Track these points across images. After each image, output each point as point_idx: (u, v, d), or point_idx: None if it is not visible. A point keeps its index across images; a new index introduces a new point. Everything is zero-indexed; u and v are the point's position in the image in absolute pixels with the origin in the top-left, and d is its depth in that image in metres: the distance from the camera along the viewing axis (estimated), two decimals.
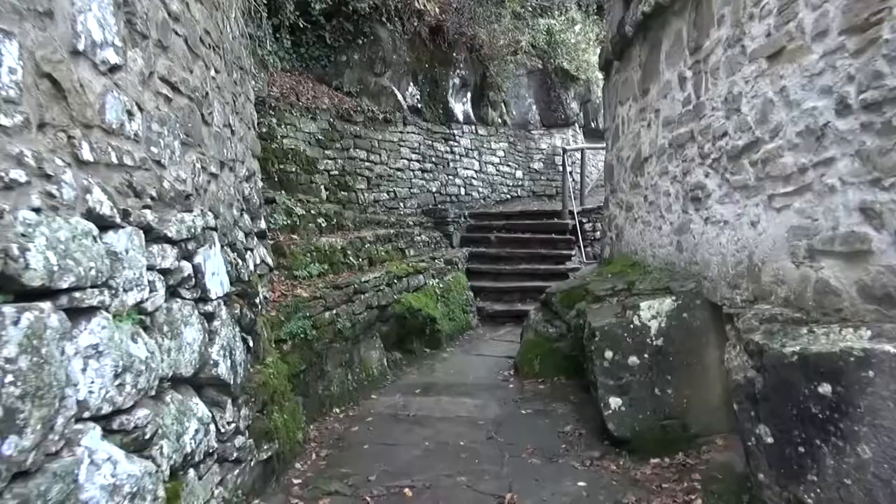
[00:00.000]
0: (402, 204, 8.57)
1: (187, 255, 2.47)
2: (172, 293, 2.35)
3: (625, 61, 5.19)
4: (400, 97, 8.59)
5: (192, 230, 2.48)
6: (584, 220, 8.57)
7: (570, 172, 8.93)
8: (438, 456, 3.50)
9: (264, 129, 6.18)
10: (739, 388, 2.35)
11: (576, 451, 3.51)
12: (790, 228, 2.51)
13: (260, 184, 4.83)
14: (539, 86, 11.53)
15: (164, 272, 2.24)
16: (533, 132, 11.64)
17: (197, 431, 2.32)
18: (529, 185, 11.64)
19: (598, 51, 13.13)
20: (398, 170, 8.54)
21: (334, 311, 4.60)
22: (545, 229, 8.38)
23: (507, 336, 6.56)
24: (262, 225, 4.37)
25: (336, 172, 7.29)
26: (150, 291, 2.08)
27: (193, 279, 2.49)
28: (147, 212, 2.12)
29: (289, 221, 5.35)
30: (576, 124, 12.35)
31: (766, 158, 2.69)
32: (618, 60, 5.42)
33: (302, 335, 4.16)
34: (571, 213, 8.44)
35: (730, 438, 3.28)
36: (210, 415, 2.53)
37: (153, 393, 2.03)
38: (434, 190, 9.35)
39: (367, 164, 7.88)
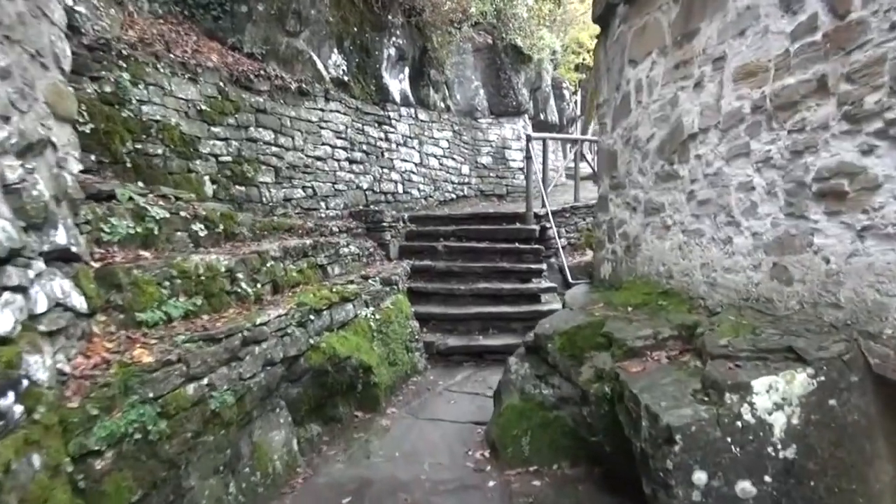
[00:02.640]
0: (323, 204, 6.61)
1: None
2: None
3: (642, 1, 3.69)
4: (321, 65, 6.66)
5: None
6: (547, 225, 7.06)
7: (533, 166, 7.35)
8: None
9: (108, 89, 4.11)
10: None
11: None
12: None
13: (75, 168, 2.84)
14: (487, 66, 9.93)
15: None
16: (480, 121, 10.04)
17: None
18: (477, 183, 10.03)
19: (548, 29, 11.83)
20: (318, 158, 6.56)
21: (205, 382, 2.74)
22: (506, 236, 6.70)
23: (467, 384, 4.84)
24: (61, 239, 2.41)
25: (228, 158, 5.22)
26: None
27: None
28: None
29: (139, 230, 3.38)
30: (526, 114, 10.89)
31: None
32: (627, 3, 3.91)
33: (137, 436, 2.31)
34: (538, 216, 6.86)
35: None
36: None
37: None
38: (365, 186, 7.46)
39: (274, 148, 5.83)
